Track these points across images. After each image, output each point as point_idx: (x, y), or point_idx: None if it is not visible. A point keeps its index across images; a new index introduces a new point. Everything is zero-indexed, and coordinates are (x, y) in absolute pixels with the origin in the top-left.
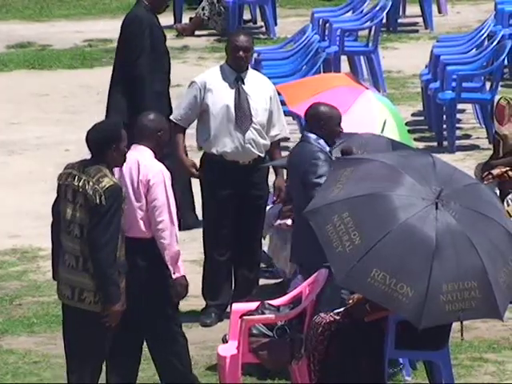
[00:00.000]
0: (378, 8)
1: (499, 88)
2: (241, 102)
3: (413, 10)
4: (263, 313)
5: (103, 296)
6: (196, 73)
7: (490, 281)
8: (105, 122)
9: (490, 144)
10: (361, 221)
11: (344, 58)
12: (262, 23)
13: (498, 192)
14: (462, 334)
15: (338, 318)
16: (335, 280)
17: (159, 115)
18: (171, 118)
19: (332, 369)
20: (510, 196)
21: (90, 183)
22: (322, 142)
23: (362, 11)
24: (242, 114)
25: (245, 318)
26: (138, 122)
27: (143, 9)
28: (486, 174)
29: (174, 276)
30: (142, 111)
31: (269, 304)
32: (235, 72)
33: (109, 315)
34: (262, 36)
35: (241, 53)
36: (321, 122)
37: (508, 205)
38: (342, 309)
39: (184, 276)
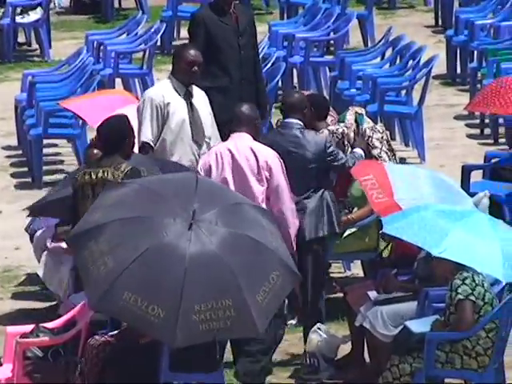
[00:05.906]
0: (152, 30)
1: (273, 110)
2: (194, 117)
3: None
4: (38, 335)
5: None
6: None
7: (246, 299)
8: (116, 118)
9: None
10: (115, 245)
11: (118, 81)
12: (37, 46)
13: None
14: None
15: (112, 339)
16: (89, 305)
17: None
18: (145, 140)
19: None
20: None
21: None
22: None
23: (136, 34)
24: (196, 129)
25: (19, 340)
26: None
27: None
28: None
29: None
30: None
31: (43, 327)
32: (184, 86)
33: None
34: (36, 59)
35: (195, 68)
36: None
37: None
38: (116, 331)
39: None
